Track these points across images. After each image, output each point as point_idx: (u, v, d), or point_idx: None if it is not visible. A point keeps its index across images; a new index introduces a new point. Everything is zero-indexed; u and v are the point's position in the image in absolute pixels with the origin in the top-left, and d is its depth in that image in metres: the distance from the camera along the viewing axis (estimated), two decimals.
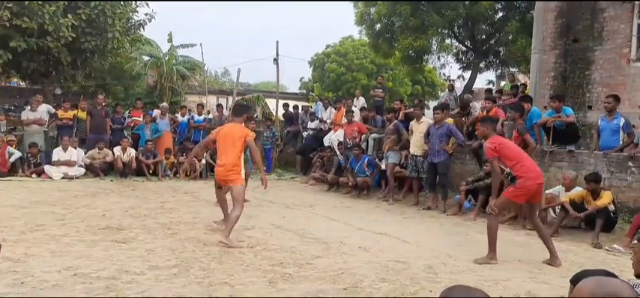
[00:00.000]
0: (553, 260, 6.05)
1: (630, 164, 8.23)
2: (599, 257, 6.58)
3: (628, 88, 10.21)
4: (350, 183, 11.46)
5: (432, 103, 16.64)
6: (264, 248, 6.16)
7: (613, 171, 8.34)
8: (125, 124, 13.99)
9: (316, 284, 4.90)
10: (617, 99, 8.76)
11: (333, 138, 13.10)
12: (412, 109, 11.62)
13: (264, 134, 15.37)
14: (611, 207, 7.57)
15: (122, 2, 15.91)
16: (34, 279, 4.49)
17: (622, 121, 8.56)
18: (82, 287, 4.37)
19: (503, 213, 6.45)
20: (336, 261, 5.71)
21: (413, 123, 10.51)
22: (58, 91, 17.26)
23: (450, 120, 10.17)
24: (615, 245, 7.03)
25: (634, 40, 10.31)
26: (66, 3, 13.89)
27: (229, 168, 6.37)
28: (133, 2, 16.50)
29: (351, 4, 20.01)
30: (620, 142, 8.54)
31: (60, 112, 13.12)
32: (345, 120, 12.63)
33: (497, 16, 18.02)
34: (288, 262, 5.59)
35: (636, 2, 10.24)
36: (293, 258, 5.76)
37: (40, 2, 13.16)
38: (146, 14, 16.96)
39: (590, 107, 10.93)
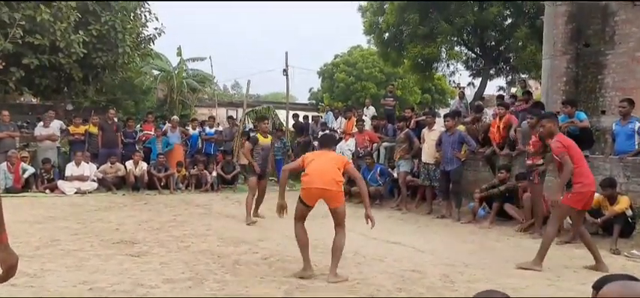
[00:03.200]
0: (599, 266, 5.93)
1: None
2: (618, 263, 6.47)
3: None
4: None
5: (443, 111, 16.57)
6: (278, 260, 6.12)
7: (629, 176, 8.22)
8: (137, 138, 14.05)
9: (333, 294, 4.86)
10: (631, 103, 8.66)
11: (344, 148, 13.05)
12: (423, 117, 11.58)
13: (275, 145, 15.33)
14: (629, 212, 7.46)
15: (132, 17, 16.06)
16: (50, 294, 4.49)
17: (637, 125, 8.46)
18: None
19: (562, 222, 6.35)
20: (351, 272, 5.66)
21: (425, 131, 10.47)
22: (70, 107, 17.39)
23: (461, 128, 10.11)
24: (634, 251, 6.92)
25: None
26: (77, 19, 14.03)
27: (334, 180, 5.43)
28: (143, 17, 16.66)
29: (359, 14, 20.06)
30: (636, 146, 8.43)
31: (72, 128, 13.21)
32: (356, 130, 12.60)
33: (506, 23, 17.96)
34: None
35: None
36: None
37: (51, 19, 13.30)
38: (156, 29, 17.15)
39: (603, 112, 10.80)
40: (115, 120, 13.89)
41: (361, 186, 5.88)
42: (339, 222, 5.57)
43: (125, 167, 12.57)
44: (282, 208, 5.68)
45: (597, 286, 2.65)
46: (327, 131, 14.81)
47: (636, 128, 8.44)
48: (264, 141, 9.07)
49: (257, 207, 9.15)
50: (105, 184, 12.31)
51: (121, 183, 12.57)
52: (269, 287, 4.98)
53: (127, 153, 13.15)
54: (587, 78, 11.14)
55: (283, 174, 6.05)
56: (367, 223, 5.47)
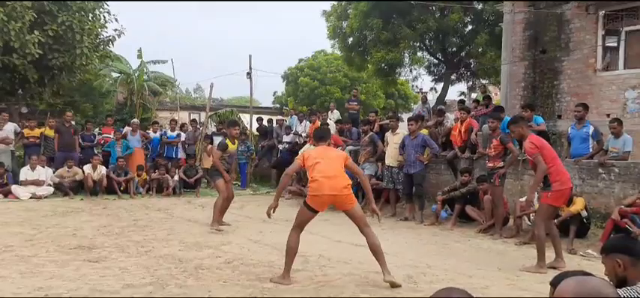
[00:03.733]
0: (557, 262, 6.15)
1: (600, 171, 8.41)
2: (574, 262, 6.65)
3: (595, 97, 10.47)
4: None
5: (406, 116, 16.78)
6: (242, 263, 6.05)
7: (584, 178, 8.51)
8: (95, 142, 13.68)
9: (297, 295, 4.83)
10: (586, 107, 8.97)
11: None
12: (387, 121, 11.68)
13: (239, 148, 15.21)
14: (584, 213, 7.70)
15: (91, 18, 15.64)
16: None
17: (591, 129, 8.75)
18: None
19: (550, 222, 6.50)
20: (315, 274, 5.65)
21: (388, 135, 10.57)
22: (24, 110, 16.78)
23: (424, 131, 10.26)
24: (589, 251, 7.15)
25: (599, 50, 10.61)
26: (33, 19, 13.57)
27: (343, 184, 5.31)
28: (102, 18, 16.24)
29: (323, 18, 20.12)
30: (590, 149, 8.73)
31: (26, 131, 12.76)
32: None
33: (467, 29, 18.34)
34: (267, 276, 5.50)
35: (601, 13, 10.53)
36: (272, 272, 5.67)
37: (4, 18, 12.83)
38: (115, 30, 16.72)
39: (559, 116, 11.16)
40: (73, 123, 13.50)
41: (364, 181, 5.91)
42: (361, 223, 5.39)
43: (83, 171, 12.22)
44: (273, 209, 5.45)
45: (554, 282, 2.73)
46: (293, 133, 14.84)
47: (590, 132, 8.73)
48: (232, 147, 8.88)
49: (222, 214, 8.72)
50: (62, 189, 11.93)
51: (78, 188, 12.22)
52: (232, 291, 4.92)
53: (86, 157, 12.80)
54: (543, 83, 11.50)
55: (285, 178, 5.89)
56: (373, 217, 5.57)
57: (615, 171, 8.22)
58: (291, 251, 5.32)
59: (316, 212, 5.34)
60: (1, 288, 4.66)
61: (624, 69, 10.30)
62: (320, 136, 5.96)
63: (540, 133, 9.06)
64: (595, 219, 8.13)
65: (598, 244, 7.29)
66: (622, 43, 10.27)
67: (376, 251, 5.33)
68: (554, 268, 5.86)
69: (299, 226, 5.38)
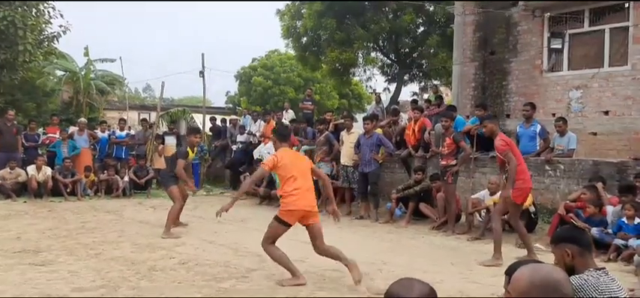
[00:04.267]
0: (530, 255, 6.33)
1: (547, 168, 8.73)
2: (523, 255, 6.86)
3: (541, 97, 10.85)
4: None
5: (360, 116, 16.91)
6: (196, 264, 5.94)
7: (532, 175, 8.74)
8: (40, 142, 13.11)
9: (254, 295, 4.77)
10: (533, 106, 9.30)
11: (263, 151, 12.95)
12: (342, 121, 11.74)
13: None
14: (532, 209, 7.98)
15: (34, 13, 14.98)
16: None
17: (539, 128, 9.09)
18: None
19: (505, 217, 6.88)
20: (272, 273, 5.61)
21: (343, 134, 10.62)
22: None
23: (379, 131, 10.36)
24: (537, 244, 7.37)
25: (545, 51, 11.00)
26: None
27: (314, 198, 5.39)
28: (46, 13, 15.58)
29: (277, 18, 20.03)
30: (538, 147, 9.06)
31: None
32: None
33: (419, 31, 18.67)
34: (223, 276, 5.43)
35: (546, 16, 10.93)
36: (228, 272, 5.60)
37: None
38: (60, 26, 16.08)
39: (508, 115, 11.51)
40: (15, 122, 12.88)
41: (327, 185, 5.97)
42: (319, 237, 5.35)
43: (26, 172, 11.67)
44: (226, 211, 5.19)
45: (509, 272, 2.82)
46: (247, 132, 14.70)
47: (538, 130, 9.06)
48: (192, 155, 8.58)
49: (177, 218, 8.32)
50: (3, 191, 11.34)
51: (21, 190, 11.67)
52: (187, 292, 4.82)
53: (29, 158, 12.24)
54: (493, 83, 11.83)
55: (249, 183, 5.91)
56: (334, 219, 5.68)
57: (561, 168, 8.56)
58: (282, 259, 5.26)
59: (289, 226, 5.25)
60: None
61: (568, 70, 10.73)
62: (284, 135, 5.83)
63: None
64: (542, 214, 8.44)
65: (545, 238, 7.58)
66: (566, 45, 10.69)
67: (337, 258, 5.32)
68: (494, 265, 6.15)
69: (273, 241, 5.29)
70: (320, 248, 5.33)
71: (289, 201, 5.18)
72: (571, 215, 7.30)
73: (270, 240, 5.27)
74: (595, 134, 10.17)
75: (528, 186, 6.53)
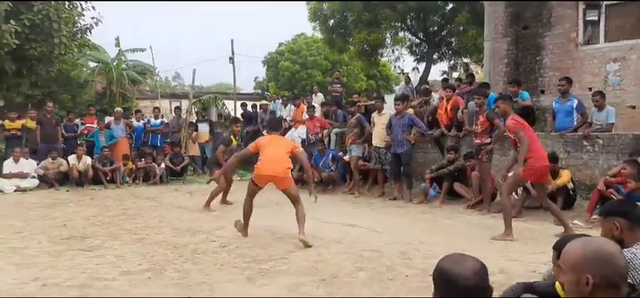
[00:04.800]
0: (566, 230, 6.35)
1: (585, 143, 8.57)
2: (561, 232, 6.79)
3: (577, 71, 10.62)
4: (315, 179, 11.41)
5: (388, 97, 16.83)
6: (237, 247, 6.06)
7: (569, 151, 8.66)
8: (78, 132, 13.48)
9: (294, 277, 4.86)
10: (569, 81, 9.11)
11: (294, 135, 13.04)
12: (372, 102, 11.72)
13: (224, 134, 15.15)
14: (570, 185, 7.86)
15: (68, 6, 15.31)
16: (2, 292, 4.26)
17: (575, 102, 8.90)
18: (55, 297, 4.18)
19: (516, 193, 6.94)
20: (310, 255, 5.69)
21: (374, 116, 10.60)
22: (0, 103, 16.44)
23: (410, 111, 10.31)
24: (576, 221, 7.30)
25: (580, 24, 10.74)
26: (8, 8, 13.24)
27: (283, 168, 6.38)
28: (79, 6, 15.91)
29: (303, 1, 20.03)
30: (575, 123, 8.88)
31: (7, 123, 12.52)
32: (307, 116, 12.61)
33: (448, 8, 18.40)
34: (263, 258, 5.53)
35: None
36: (267, 254, 5.70)
37: None
38: (93, 18, 16.40)
39: (542, 91, 11.31)
40: (53, 113, 13.28)
41: (307, 168, 6.89)
42: (294, 200, 6.39)
43: (67, 162, 12.05)
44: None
45: (558, 246, 2.81)
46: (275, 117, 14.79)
47: (575, 105, 8.88)
48: (235, 142, 9.70)
49: (225, 196, 9.47)
50: (46, 180, 11.76)
51: (63, 179, 12.05)
52: (231, 274, 4.93)
53: (69, 148, 12.62)
54: (526, 59, 11.62)
55: (234, 159, 7.21)
56: (311, 197, 6.38)
57: (599, 143, 8.39)
58: (246, 213, 6.66)
59: (259, 186, 6.56)
60: None
61: (605, 42, 10.46)
62: (272, 126, 7.29)
63: (526, 108, 9.21)
64: (581, 190, 8.30)
65: (584, 215, 7.48)
66: (602, 17, 10.41)
67: (300, 218, 6.29)
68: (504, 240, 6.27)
69: (249, 196, 6.64)
70: (297, 210, 6.38)
71: (257, 166, 6.49)
72: (611, 190, 7.15)
73: (247, 195, 6.65)
74: (634, 107, 9.92)
75: (540, 165, 6.41)
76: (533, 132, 6.67)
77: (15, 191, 11.01)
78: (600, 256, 1.85)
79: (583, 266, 1.85)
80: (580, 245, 1.94)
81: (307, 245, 5.94)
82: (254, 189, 6.59)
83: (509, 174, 6.72)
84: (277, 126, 7.37)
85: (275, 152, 6.40)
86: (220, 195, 9.18)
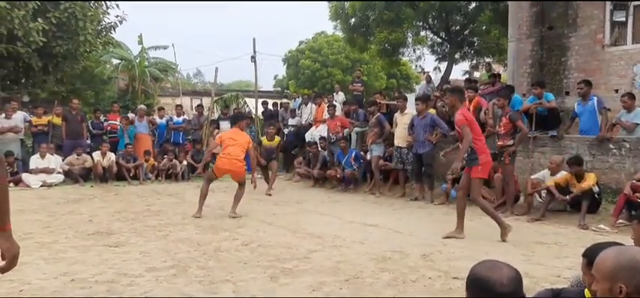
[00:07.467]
0: (503, 233, 6.45)
1: (611, 146, 8.42)
2: (587, 237, 6.69)
3: (603, 73, 10.44)
4: (338, 175, 11.44)
5: (408, 97, 16.74)
6: (259, 245, 6.11)
7: (594, 154, 8.52)
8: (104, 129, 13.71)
9: (317, 276, 4.88)
10: (588, 83, 8.89)
11: (315, 134, 13.08)
12: (394, 102, 11.67)
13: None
14: (596, 189, 7.73)
15: (93, 4, 15.57)
16: (31, 287, 4.36)
17: (595, 100, 8.71)
18: (82, 292, 4.27)
19: (481, 195, 6.90)
20: (333, 254, 5.70)
21: (397, 115, 10.57)
22: (26, 99, 16.77)
23: (432, 111, 10.26)
24: (601, 225, 7.20)
25: (607, 25, 10.55)
26: (36, 7, 13.51)
27: (239, 164, 8.00)
28: (104, 4, 16.16)
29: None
30: (599, 122, 8.67)
31: (34, 119, 12.76)
32: (328, 116, 12.62)
33: (471, 7, 18.24)
34: (286, 257, 5.56)
35: None
36: (290, 253, 5.73)
37: (8, 7, 12.77)
38: (117, 16, 16.67)
39: (567, 92, 11.14)
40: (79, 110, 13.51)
41: (252, 158, 8.68)
42: (241, 184, 8.13)
43: (92, 158, 12.25)
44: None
45: (588, 254, 2.77)
46: (298, 116, 14.85)
47: (596, 104, 8.69)
48: (268, 143, 11.44)
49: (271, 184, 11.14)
50: (71, 176, 11.97)
51: (87, 175, 12.25)
52: (254, 272, 4.97)
53: (97, 145, 12.83)
54: (551, 60, 11.47)
55: (208, 153, 9.15)
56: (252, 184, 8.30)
57: (626, 147, 8.24)
58: (202, 195, 8.03)
59: (216, 177, 8.27)
60: (28, 274, 4.70)
61: (632, 44, 10.25)
62: (234, 120, 9.01)
63: (551, 110, 9.09)
64: (606, 194, 8.16)
65: (609, 219, 7.37)
66: (630, 18, 10.22)
67: (236, 198, 8.06)
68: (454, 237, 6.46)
69: (207, 181, 8.21)
70: (237, 191, 8.16)
71: (218, 159, 8.15)
72: (638, 195, 7.05)
73: (205, 180, 8.29)
74: None
75: (489, 160, 6.54)
76: (480, 131, 6.74)
77: (41, 186, 11.23)
78: (634, 265, 1.83)
79: (617, 275, 1.83)
80: (614, 254, 1.92)
81: (235, 217, 7.70)
82: (212, 177, 8.23)
83: (448, 172, 6.81)
84: (239, 119, 8.75)
85: (233, 150, 7.92)
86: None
